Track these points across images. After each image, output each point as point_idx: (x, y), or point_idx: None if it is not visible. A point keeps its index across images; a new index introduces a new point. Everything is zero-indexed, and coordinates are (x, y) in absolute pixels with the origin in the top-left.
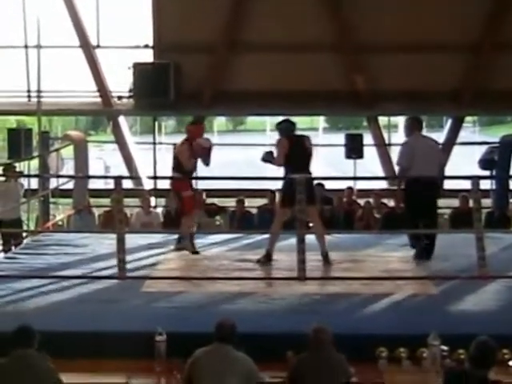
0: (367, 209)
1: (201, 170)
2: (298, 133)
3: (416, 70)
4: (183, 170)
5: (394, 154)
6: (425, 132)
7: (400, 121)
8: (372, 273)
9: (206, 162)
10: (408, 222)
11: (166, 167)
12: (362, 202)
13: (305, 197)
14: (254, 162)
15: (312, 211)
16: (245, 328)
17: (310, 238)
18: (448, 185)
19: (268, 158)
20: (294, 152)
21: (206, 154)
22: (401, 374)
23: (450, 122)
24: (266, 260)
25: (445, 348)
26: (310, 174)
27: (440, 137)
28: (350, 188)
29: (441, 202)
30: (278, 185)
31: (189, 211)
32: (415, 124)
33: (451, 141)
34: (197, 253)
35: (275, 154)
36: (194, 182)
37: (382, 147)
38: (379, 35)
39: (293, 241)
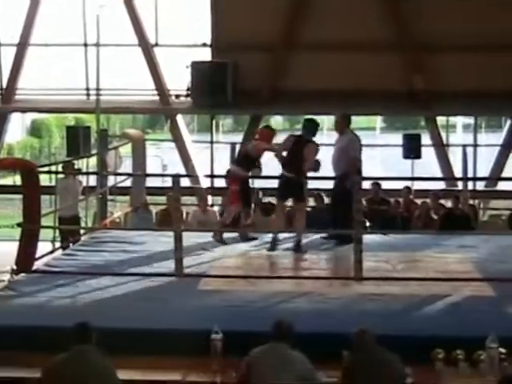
0: (425, 209)
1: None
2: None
3: (474, 69)
4: None
5: (452, 154)
6: (483, 132)
7: (458, 121)
8: (429, 274)
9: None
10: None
11: (222, 165)
12: (419, 202)
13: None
14: None
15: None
16: (300, 327)
17: (368, 239)
18: (506, 186)
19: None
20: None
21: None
22: (457, 377)
23: (509, 122)
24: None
25: (503, 351)
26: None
27: (499, 137)
28: (407, 188)
29: (498, 204)
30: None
31: None
32: (349, 121)
33: (510, 141)
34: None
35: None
36: (250, 181)
37: (440, 147)
38: (438, 35)
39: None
